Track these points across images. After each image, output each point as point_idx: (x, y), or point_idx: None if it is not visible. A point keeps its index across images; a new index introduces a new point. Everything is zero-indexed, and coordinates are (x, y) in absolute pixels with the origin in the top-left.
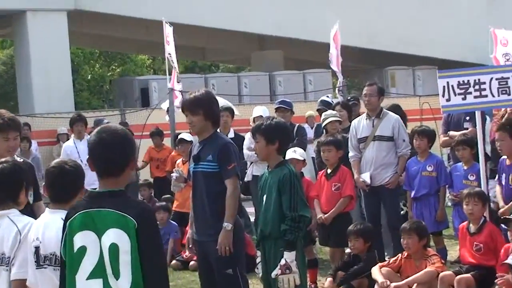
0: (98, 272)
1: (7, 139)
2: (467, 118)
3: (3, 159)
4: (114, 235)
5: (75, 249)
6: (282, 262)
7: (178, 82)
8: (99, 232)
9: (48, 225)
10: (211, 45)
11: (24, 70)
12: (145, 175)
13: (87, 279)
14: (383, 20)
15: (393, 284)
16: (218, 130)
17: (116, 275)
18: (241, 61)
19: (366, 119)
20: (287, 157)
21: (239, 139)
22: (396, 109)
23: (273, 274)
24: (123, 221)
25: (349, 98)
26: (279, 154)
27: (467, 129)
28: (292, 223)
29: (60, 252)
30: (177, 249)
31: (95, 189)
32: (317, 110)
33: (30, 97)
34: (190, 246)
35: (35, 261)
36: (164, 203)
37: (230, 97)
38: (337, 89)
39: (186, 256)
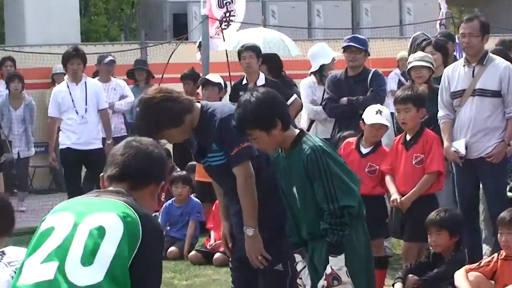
0: (56, 254)
1: None
2: None
3: None
4: (106, 219)
5: (40, 231)
6: (328, 270)
7: (220, 8)
8: (82, 215)
9: None
10: None
11: None
12: None
13: (41, 262)
14: None
15: None
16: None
17: (87, 261)
18: None
19: (464, 65)
20: (368, 121)
21: (278, 86)
22: (502, 51)
23: (319, 286)
24: (126, 212)
25: (439, 36)
26: (287, 131)
27: None
28: (332, 219)
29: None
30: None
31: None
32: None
33: (21, 22)
34: (230, 245)
35: None
36: (184, 172)
37: (297, 30)
38: (438, 22)
39: (210, 246)
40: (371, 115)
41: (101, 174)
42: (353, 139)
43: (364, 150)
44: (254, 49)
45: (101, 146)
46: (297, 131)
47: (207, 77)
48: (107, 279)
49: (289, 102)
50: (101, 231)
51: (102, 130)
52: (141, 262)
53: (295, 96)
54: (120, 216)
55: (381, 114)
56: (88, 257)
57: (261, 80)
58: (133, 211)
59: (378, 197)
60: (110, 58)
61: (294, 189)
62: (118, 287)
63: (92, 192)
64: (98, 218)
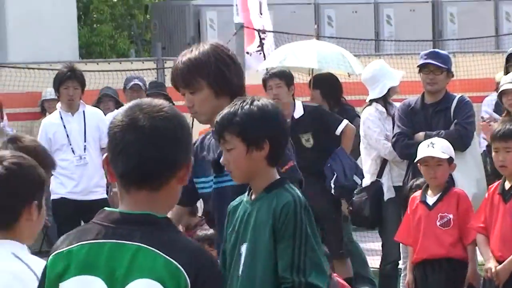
0: None
1: None
2: None
3: None
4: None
5: None
6: None
7: (261, 14)
8: (116, 281)
9: None
10: None
11: None
12: None
13: None
14: None
15: None
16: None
17: None
18: None
19: None
20: (419, 155)
21: (320, 115)
22: None
23: None
24: (167, 269)
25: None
26: (270, 166)
27: None
28: None
29: None
30: None
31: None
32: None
33: (2, 33)
34: None
35: None
36: None
37: (361, 43)
38: None
39: None
40: (422, 149)
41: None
42: (419, 192)
43: (430, 201)
44: (283, 75)
45: (105, 195)
46: (278, 177)
47: None
48: None
49: (339, 130)
50: None
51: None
52: None
53: (345, 121)
54: (163, 284)
55: (433, 146)
56: None
57: (298, 111)
58: (176, 264)
59: (457, 259)
60: (134, 82)
61: (243, 248)
62: None
63: (107, 218)
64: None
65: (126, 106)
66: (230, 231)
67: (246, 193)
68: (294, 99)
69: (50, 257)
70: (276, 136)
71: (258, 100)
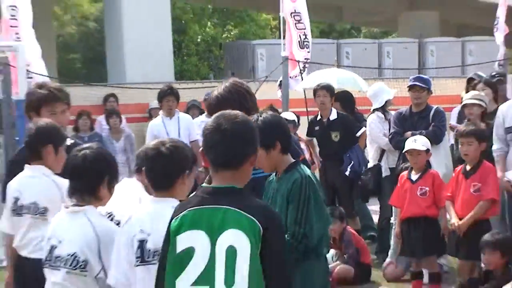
0: (205, 278)
1: (54, 113)
2: None
3: (87, 145)
4: (234, 237)
5: (179, 249)
6: None
7: (301, 48)
8: (213, 232)
9: (156, 216)
10: (350, 3)
11: (115, 28)
12: None
13: (191, 285)
14: None
15: None
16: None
17: (230, 283)
18: (386, 23)
19: None
20: (406, 147)
21: (347, 121)
22: None
23: None
24: (247, 223)
25: (493, 74)
26: (285, 155)
27: None
28: (290, 239)
29: (162, 248)
30: None
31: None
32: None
33: (121, 63)
34: None
35: (139, 257)
36: None
37: (368, 70)
38: (496, 63)
39: None
40: (408, 143)
41: (200, 149)
42: (406, 172)
43: (414, 177)
44: (328, 88)
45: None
46: (293, 160)
47: (282, 115)
48: None
49: (358, 133)
50: (233, 252)
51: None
52: (269, 251)
53: (364, 128)
54: (245, 232)
55: (415, 142)
56: (231, 278)
57: (333, 115)
58: (252, 216)
59: (431, 217)
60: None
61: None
62: None
63: (204, 191)
64: (228, 238)
65: (214, 115)
66: (267, 200)
67: (274, 174)
68: (332, 106)
69: (171, 220)
70: (282, 135)
71: (261, 115)
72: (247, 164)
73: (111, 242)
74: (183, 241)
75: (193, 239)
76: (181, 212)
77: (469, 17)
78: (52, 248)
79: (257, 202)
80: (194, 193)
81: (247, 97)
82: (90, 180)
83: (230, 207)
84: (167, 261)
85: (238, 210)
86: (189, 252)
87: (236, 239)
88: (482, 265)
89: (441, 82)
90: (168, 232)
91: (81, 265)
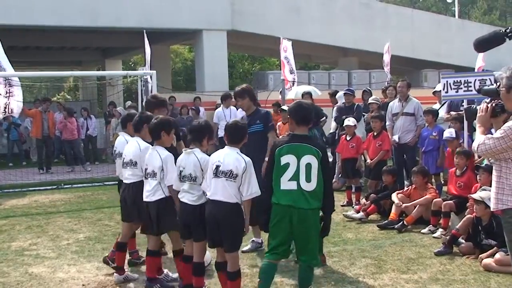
0: (294, 177)
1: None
2: (463, 104)
3: (200, 119)
4: (309, 158)
5: (282, 163)
6: None
7: (291, 74)
8: (299, 155)
9: (228, 154)
10: (313, 52)
11: (200, 64)
12: None
13: (288, 180)
14: (422, 39)
15: (404, 205)
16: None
17: (308, 179)
18: (332, 63)
19: (398, 101)
20: (344, 123)
21: (317, 112)
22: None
23: None
24: (314, 151)
25: (365, 89)
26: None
27: (462, 111)
28: None
29: (269, 162)
30: None
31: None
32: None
33: (202, 81)
34: None
35: (214, 173)
36: None
37: (322, 85)
38: (386, 82)
39: None
40: (346, 121)
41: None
42: (344, 135)
43: (348, 138)
44: (310, 94)
45: None
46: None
47: (282, 107)
48: (317, 186)
49: (322, 119)
50: (309, 165)
51: None
52: (323, 165)
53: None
54: (315, 156)
55: (349, 121)
56: (309, 178)
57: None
58: (317, 148)
59: (354, 158)
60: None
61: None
62: (320, 188)
63: (293, 136)
64: (306, 159)
65: (295, 101)
66: None
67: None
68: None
69: (276, 149)
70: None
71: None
72: (309, 125)
73: (206, 167)
74: (283, 159)
75: (288, 159)
76: (281, 145)
77: (372, 59)
78: (180, 172)
79: (317, 141)
80: (285, 134)
81: (252, 93)
82: (199, 135)
83: (306, 144)
84: (274, 168)
85: (309, 145)
86: (286, 165)
87: (310, 159)
88: (382, 183)
89: (358, 92)
90: (273, 154)
91: (193, 178)
